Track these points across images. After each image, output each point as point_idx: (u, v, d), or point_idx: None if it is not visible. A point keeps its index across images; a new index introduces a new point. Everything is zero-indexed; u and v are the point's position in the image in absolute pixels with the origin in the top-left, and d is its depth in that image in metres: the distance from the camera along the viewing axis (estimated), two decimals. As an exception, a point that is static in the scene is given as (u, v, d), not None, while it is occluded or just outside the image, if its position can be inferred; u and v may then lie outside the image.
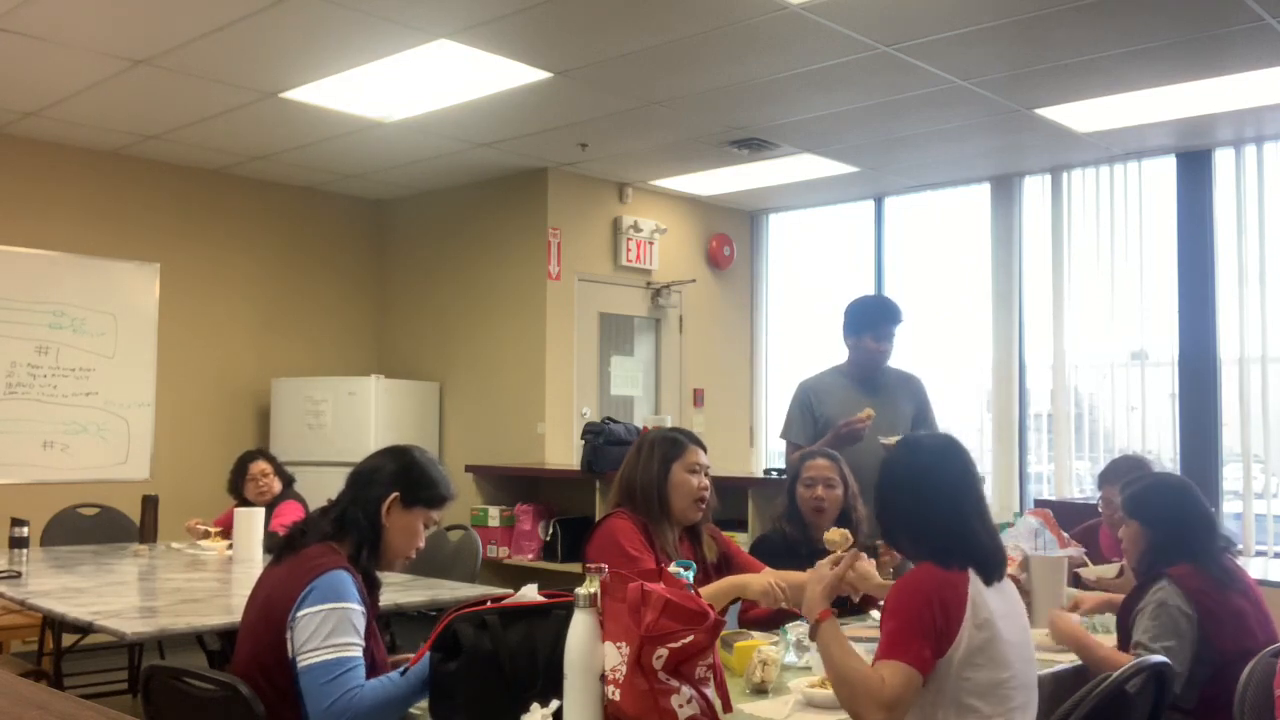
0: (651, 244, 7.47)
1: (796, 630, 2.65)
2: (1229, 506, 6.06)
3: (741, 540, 4.22)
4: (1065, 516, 3.98)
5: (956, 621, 2.03)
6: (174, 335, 6.87)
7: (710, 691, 1.87)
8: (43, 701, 1.95)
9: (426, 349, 7.59)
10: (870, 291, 7.26)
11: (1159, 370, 6.38)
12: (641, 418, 7.20)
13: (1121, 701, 2.09)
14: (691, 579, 2.11)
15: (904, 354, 4.35)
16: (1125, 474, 3.50)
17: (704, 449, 3.11)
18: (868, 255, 7.62)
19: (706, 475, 3.08)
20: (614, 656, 1.83)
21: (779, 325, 8.18)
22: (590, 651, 1.85)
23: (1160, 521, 2.79)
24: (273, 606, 2.31)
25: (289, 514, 4.74)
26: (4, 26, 4.53)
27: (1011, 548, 3.25)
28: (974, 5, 4.23)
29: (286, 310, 7.46)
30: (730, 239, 7.97)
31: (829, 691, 2.13)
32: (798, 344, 7.93)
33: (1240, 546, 5.81)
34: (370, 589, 2.43)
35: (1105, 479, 3.98)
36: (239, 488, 5.00)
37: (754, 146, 6.27)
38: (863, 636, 2.58)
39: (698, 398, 7.78)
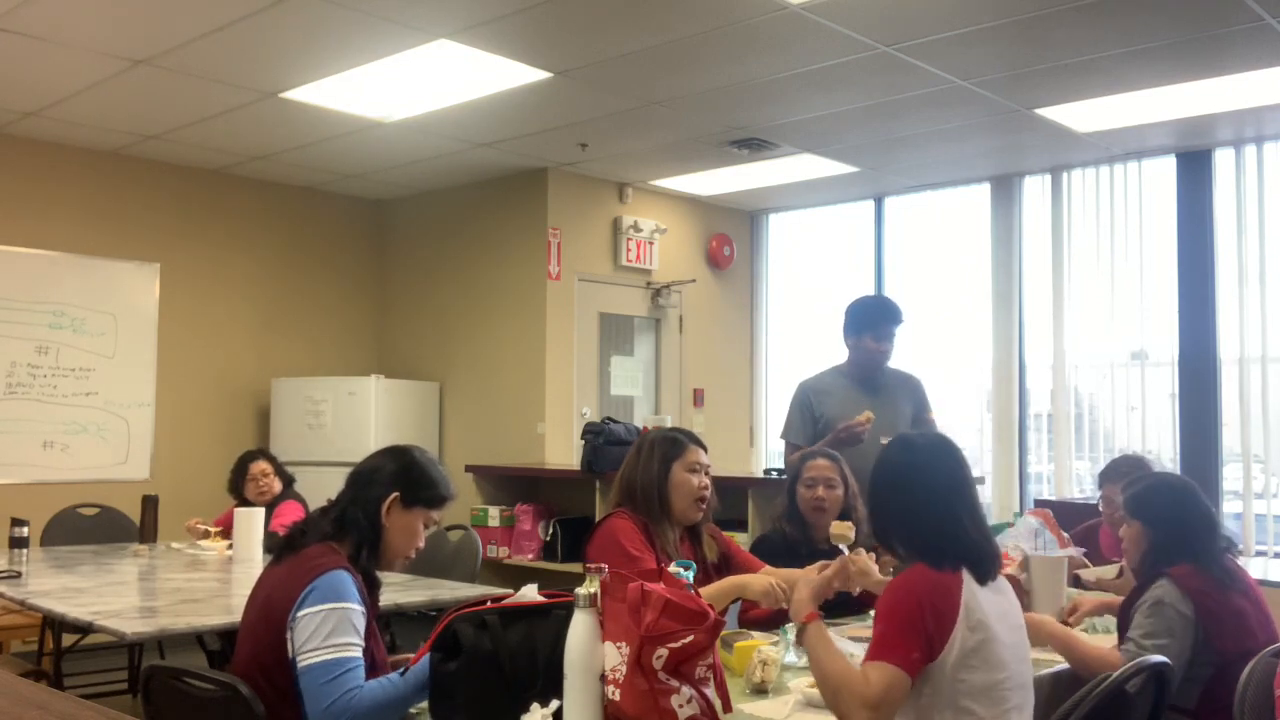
0: (651, 244, 7.47)
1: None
2: (1229, 506, 6.06)
3: (741, 540, 4.22)
4: (1065, 516, 3.98)
5: (949, 625, 2.02)
6: (174, 335, 6.87)
7: (710, 691, 1.87)
8: (43, 701, 1.95)
9: (426, 349, 7.59)
10: (870, 291, 7.26)
11: (1159, 370, 6.38)
12: (641, 418, 7.20)
13: (1121, 701, 2.08)
14: (691, 579, 2.11)
15: (904, 354, 4.36)
16: (1125, 474, 3.50)
17: (704, 449, 3.11)
18: (868, 255, 7.62)
19: (707, 475, 3.08)
20: (614, 656, 1.83)
21: (779, 325, 8.17)
22: (590, 651, 1.84)
23: (1162, 521, 2.78)
24: (273, 606, 2.31)
25: (289, 514, 4.74)
26: (4, 26, 4.53)
27: (1012, 548, 3.26)
28: (974, 5, 4.23)
29: (286, 310, 7.46)
30: (730, 239, 7.97)
31: (828, 692, 2.12)
32: (798, 344, 7.93)
33: (1241, 546, 5.81)
34: (370, 589, 2.43)
35: (1105, 479, 3.98)
36: (239, 488, 5.01)
37: (754, 146, 6.26)
38: (862, 636, 2.58)
39: (698, 398, 7.78)
